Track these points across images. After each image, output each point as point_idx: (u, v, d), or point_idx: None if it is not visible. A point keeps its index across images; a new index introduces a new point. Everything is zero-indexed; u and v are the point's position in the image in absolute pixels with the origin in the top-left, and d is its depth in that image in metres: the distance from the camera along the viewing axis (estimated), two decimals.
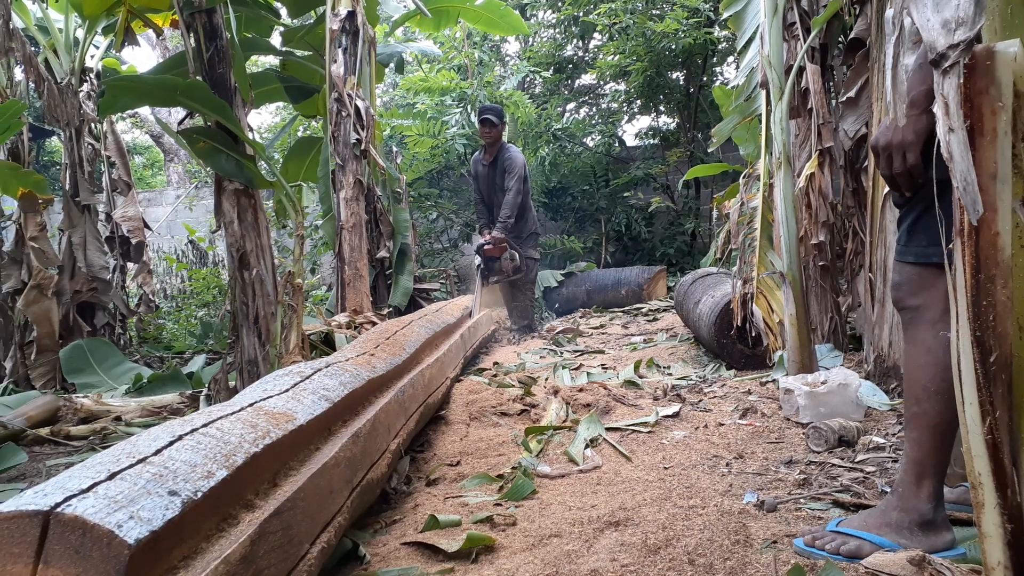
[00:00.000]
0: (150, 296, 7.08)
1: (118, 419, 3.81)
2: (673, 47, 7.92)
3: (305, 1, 5.12)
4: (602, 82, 10.13)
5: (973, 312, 0.92)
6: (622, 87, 9.68)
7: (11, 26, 4.48)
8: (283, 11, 5.51)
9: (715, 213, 4.95)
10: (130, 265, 6.75)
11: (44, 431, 3.58)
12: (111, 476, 1.11)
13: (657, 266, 7.71)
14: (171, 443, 1.29)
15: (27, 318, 5.11)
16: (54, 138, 11.09)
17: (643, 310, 6.77)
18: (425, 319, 3.54)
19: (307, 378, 1.99)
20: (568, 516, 1.97)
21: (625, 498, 2.10)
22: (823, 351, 3.49)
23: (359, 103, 4.30)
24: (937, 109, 0.85)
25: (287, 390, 1.84)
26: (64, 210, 5.61)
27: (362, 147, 4.29)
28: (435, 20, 6.12)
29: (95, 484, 1.08)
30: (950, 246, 0.96)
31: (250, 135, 3.40)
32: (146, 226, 6.61)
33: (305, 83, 5.65)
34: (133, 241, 6.48)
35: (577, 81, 10.68)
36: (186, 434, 1.35)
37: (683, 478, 2.27)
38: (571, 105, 10.56)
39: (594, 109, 10.64)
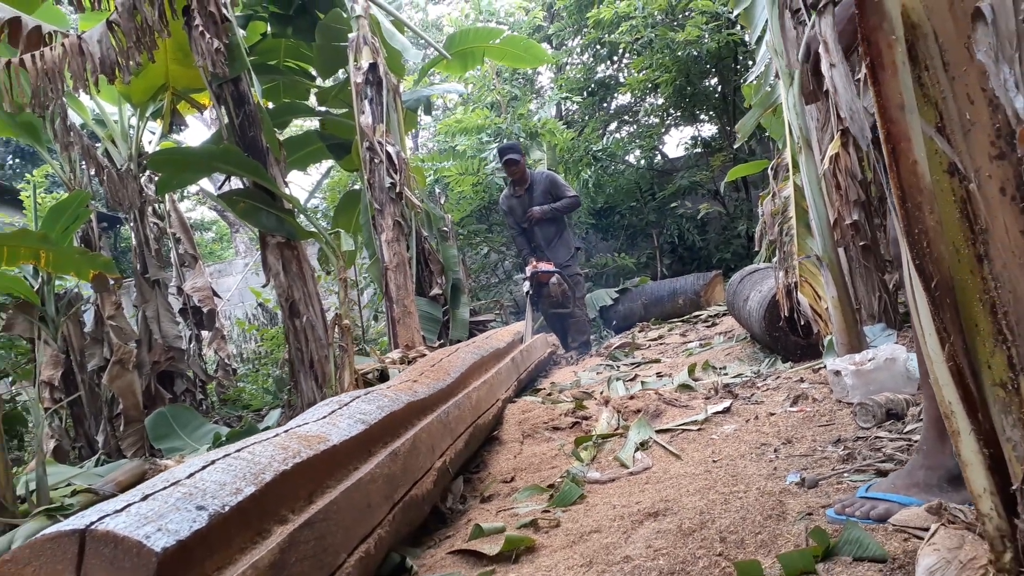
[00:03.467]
0: (226, 361, 7.40)
1: None
2: (698, 53, 7.93)
3: (333, 61, 5.37)
4: (637, 99, 10.18)
5: (908, 241, 0.94)
6: (658, 101, 9.72)
7: (68, 122, 4.83)
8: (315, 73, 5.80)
9: (761, 211, 4.91)
10: (205, 333, 7.08)
11: None
12: (144, 497, 1.22)
13: (712, 272, 7.63)
14: (204, 467, 1.40)
15: (113, 392, 5.41)
16: (127, 224, 11.75)
17: (701, 317, 6.69)
18: (473, 346, 3.62)
19: (345, 405, 2.08)
20: (611, 514, 2.00)
21: (669, 492, 2.11)
22: (875, 331, 3.41)
23: (389, 149, 4.48)
24: (820, 48, 0.89)
25: (324, 417, 1.94)
26: (136, 287, 5.95)
27: (397, 190, 4.46)
28: (460, 63, 6.31)
29: (129, 504, 1.18)
30: None
31: (287, 191, 3.59)
32: (215, 295, 6.94)
33: (344, 139, 5.90)
34: (204, 310, 6.81)
35: (614, 102, 10.76)
36: (219, 459, 1.46)
37: (729, 468, 2.26)
38: (612, 126, 10.63)
39: (634, 126, 10.68)
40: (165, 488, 1.26)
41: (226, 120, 3.47)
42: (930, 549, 1.04)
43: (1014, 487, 0.95)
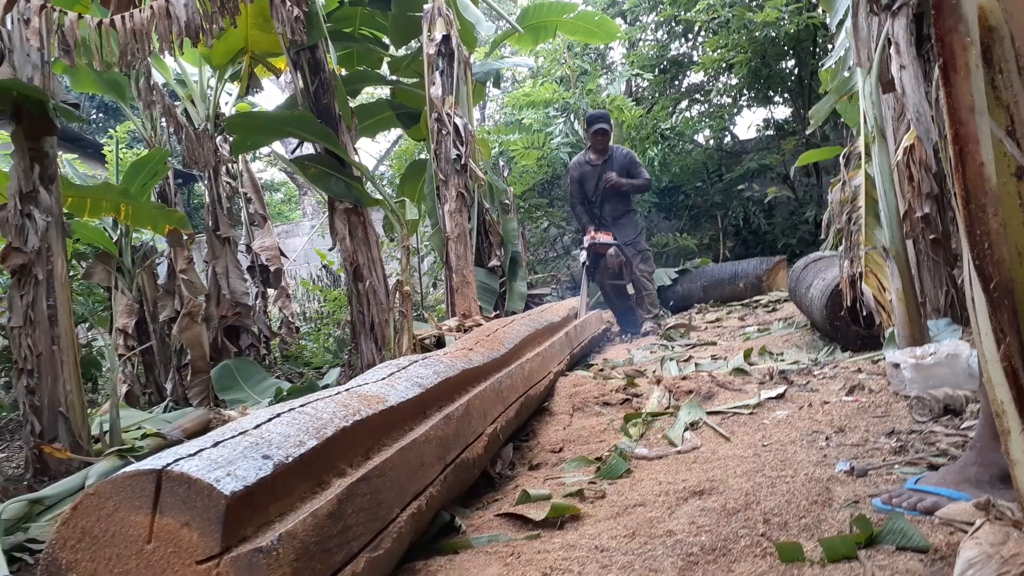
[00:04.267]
0: (290, 319, 7.63)
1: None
2: (775, 35, 7.73)
3: (406, 30, 5.42)
4: (710, 78, 9.98)
5: (970, 242, 0.94)
6: (732, 81, 9.51)
7: (152, 81, 5.01)
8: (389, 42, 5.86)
9: (830, 198, 4.81)
10: (271, 291, 7.32)
11: None
12: (215, 444, 1.31)
13: (776, 257, 7.49)
14: (270, 419, 1.48)
15: (182, 343, 5.65)
16: (199, 181, 12.13)
17: (762, 302, 6.60)
18: (527, 318, 3.67)
19: (403, 368, 2.16)
20: (656, 489, 2.03)
21: (716, 472, 2.13)
22: (940, 326, 3.33)
23: (457, 121, 4.52)
24: (891, 50, 0.89)
25: (383, 378, 2.01)
26: (208, 244, 6.17)
27: (462, 162, 4.51)
28: (532, 36, 6.29)
29: (201, 450, 1.27)
30: None
31: (356, 159, 3.68)
32: (282, 254, 7.15)
33: (413, 108, 5.97)
34: (271, 269, 7.03)
35: (686, 80, 10.57)
36: (284, 412, 1.54)
37: (779, 453, 2.27)
38: (682, 104, 10.45)
39: (705, 106, 10.49)
40: (234, 437, 1.35)
41: (301, 86, 3.56)
42: (972, 543, 1.05)
43: None
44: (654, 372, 3.89)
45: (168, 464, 1.18)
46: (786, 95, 9.30)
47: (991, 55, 0.89)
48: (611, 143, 6.38)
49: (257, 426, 1.43)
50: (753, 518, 1.61)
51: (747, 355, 3.96)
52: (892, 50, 1.21)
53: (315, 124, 3.38)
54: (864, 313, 3.61)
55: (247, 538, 1.19)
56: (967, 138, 0.91)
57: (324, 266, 9.24)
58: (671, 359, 4.20)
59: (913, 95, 1.36)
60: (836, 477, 1.88)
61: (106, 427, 3.99)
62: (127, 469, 1.21)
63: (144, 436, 3.99)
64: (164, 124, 5.73)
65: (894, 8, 1.18)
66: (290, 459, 1.33)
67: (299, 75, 3.62)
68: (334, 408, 1.62)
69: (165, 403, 5.35)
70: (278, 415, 1.51)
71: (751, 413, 2.82)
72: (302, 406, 1.60)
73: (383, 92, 8.79)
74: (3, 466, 4.42)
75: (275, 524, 1.25)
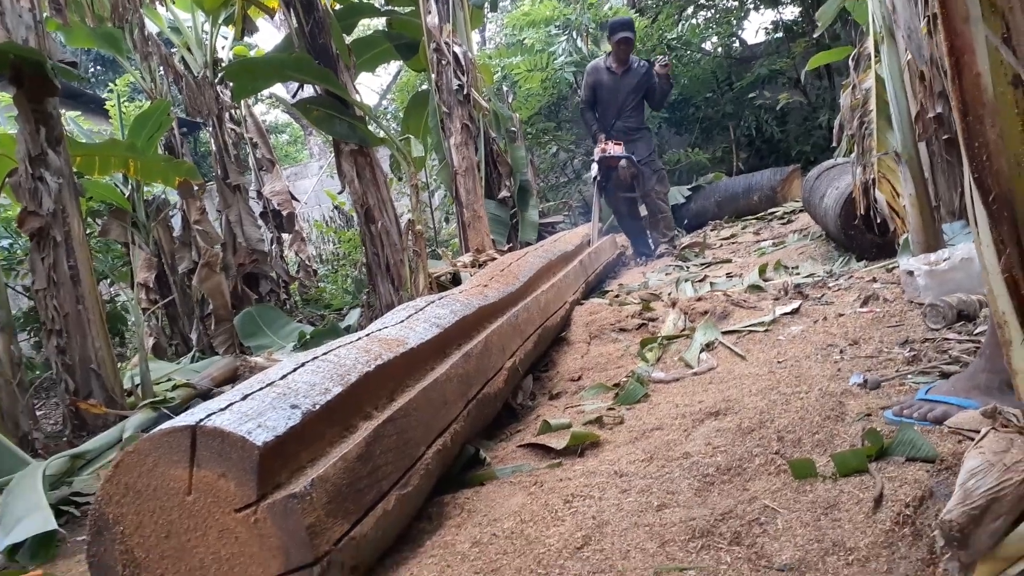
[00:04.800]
0: (307, 262, 7.70)
1: None
2: None
3: None
4: None
5: (968, 154, 0.94)
6: None
7: (147, 32, 4.94)
8: None
9: (842, 102, 4.72)
10: (285, 236, 7.36)
11: (227, 388, 4.09)
12: (244, 397, 1.36)
13: (790, 167, 7.38)
14: (295, 369, 1.53)
15: (203, 293, 5.74)
16: (205, 129, 12.06)
17: (777, 214, 6.56)
18: (541, 249, 3.69)
19: (420, 310, 2.20)
20: (673, 412, 2.08)
21: (732, 392, 2.17)
22: (955, 229, 3.30)
23: (456, 49, 4.44)
24: None
25: (401, 321, 2.06)
26: (219, 192, 6.19)
27: (464, 92, 4.45)
28: None
29: (231, 404, 1.32)
30: None
31: (357, 98, 3.64)
32: (293, 198, 7.15)
33: (412, 38, 5.84)
34: (284, 213, 7.05)
35: None
36: (308, 361, 1.59)
37: (794, 369, 2.30)
38: (688, 11, 10.12)
39: (711, 11, 10.17)
40: (262, 389, 1.40)
41: (296, 27, 3.50)
42: (976, 452, 1.09)
43: None
44: (669, 294, 3.92)
45: (201, 419, 1.24)
46: None
47: None
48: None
49: (283, 376, 1.48)
50: (767, 436, 1.66)
51: (762, 271, 3.96)
52: None
53: (313, 66, 3.34)
54: (878, 221, 3.59)
55: (281, 485, 1.25)
56: (963, 48, 0.91)
57: (336, 207, 9.24)
58: (686, 280, 4.21)
59: (904, 11, 1.33)
60: (849, 391, 1.91)
61: (137, 380, 4.10)
62: (163, 426, 1.27)
63: (175, 387, 4.11)
64: (163, 74, 5.68)
65: None
66: (317, 407, 1.39)
67: (293, 16, 3.56)
68: (356, 354, 1.67)
69: (192, 353, 5.47)
70: (303, 364, 1.56)
71: (766, 330, 2.84)
72: (325, 354, 1.65)
73: (379, 23, 8.61)
74: (42, 423, 4.58)
75: (307, 470, 1.31)
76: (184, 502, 1.22)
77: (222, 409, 1.29)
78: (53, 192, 3.73)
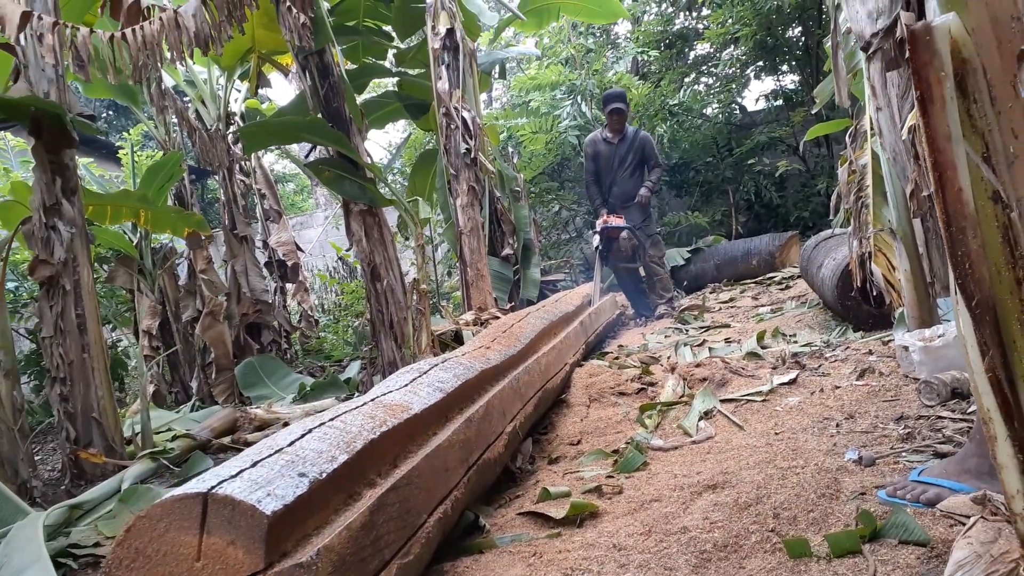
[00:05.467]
0: (308, 312, 7.75)
1: (286, 424, 4.29)
2: (780, 4, 7.68)
3: (410, 21, 5.45)
4: (716, 49, 9.92)
5: (952, 262, 1.00)
6: (739, 52, 9.47)
7: (163, 87, 5.09)
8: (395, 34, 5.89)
9: (840, 172, 4.83)
10: (288, 285, 7.43)
11: (226, 440, 4.11)
12: (254, 464, 1.39)
13: (788, 232, 7.50)
14: (303, 435, 1.57)
15: (205, 342, 5.78)
16: (213, 177, 12.23)
17: (775, 279, 6.64)
18: (543, 310, 3.75)
19: (424, 373, 2.24)
20: (672, 483, 2.11)
21: (730, 464, 2.20)
22: (950, 304, 3.37)
23: (465, 114, 4.57)
24: (868, 92, 0.94)
25: (405, 385, 2.10)
26: (226, 243, 6.28)
27: (472, 155, 4.56)
28: (535, 20, 6.30)
29: (241, 471, 1.36)
30: None
31: (368, 160, 3.75)
32: (299, 248, 7.25)
33: (421, 99, 6.01)
34: (288, 264, 7.14)
35: (692, 52, 10.50)
36: (315, 427, 1.62)
37: (791, 442, 2.34)
38: (690, 77, 10.40)
39: (712, 78, 10.44)
40: (271, 456, 1.43)
41: (310, 91, 3.62)
42: (964, 542, 1.12)
43: None
44: (668, 358, 3.96)
45: (213, 487, 1.27)
46: (794, 63, 9.25)
47: (965, 85, 0.95)
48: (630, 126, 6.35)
49: (291, 443, 1.52)
50: (764, 512, 1.69)
51: (760, 337, 4.01)
52: (869, 92, 1.26)
53: (327, 129, 3.45)
54: (874, 293, 3.66)
55: (288, 553, 1.28)
56: (945, 165, 0.97)
57: (340, 258, 9.34)
58: (685, 344, 4.26)
59: (889, 135, 1.41)
60: (845, 467, 1.95)
61: (137, 428, 4.11)
62: (175, 492, 1.30)
63: (174, 437, 4.12)
64: (177, 127, 5.82)
65: (870, 53, 1.23)
66: (324, 475, 1.42)
67: (308, 79, 3.69)
68: (362, 420, 1.70)
69: (192, 402, 5.49)
70: (310, 431, 1.60)
71: (764, 400, 2.88)
72: (332, 420, 1.68)
73: (390, 82, 8.83)
74: (40, 470, 4.56)
75: (313, 538, 1.34)
76: (193, 568, 1.25)
77: (233, 476, 1.32)
78: (65, 242, 3.80)
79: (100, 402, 3.82)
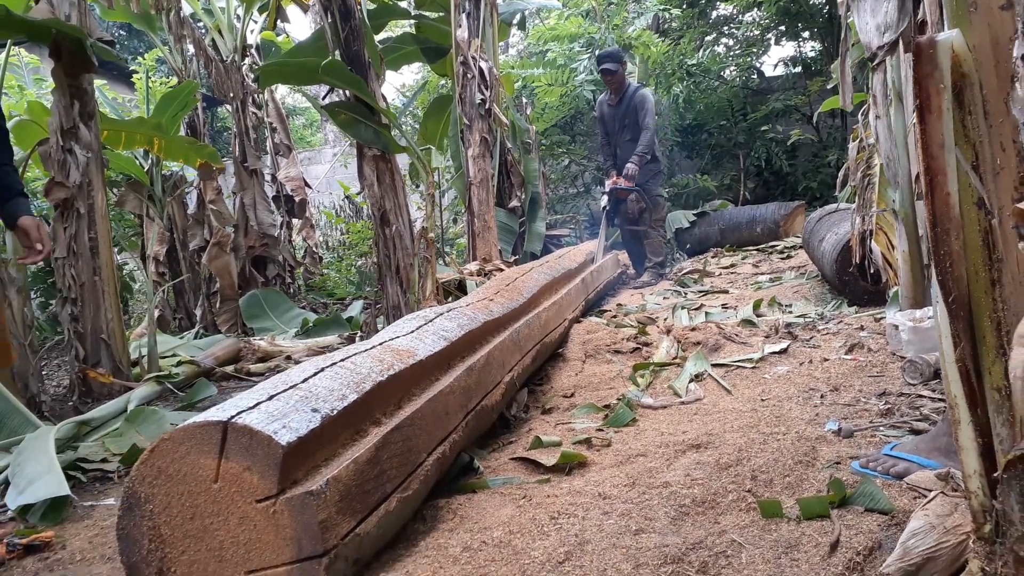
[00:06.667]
0: (313, 248, 7.84)
1: (288, 358, 4.41)
2: None
3: None
4: (739, 11, 9.79)
5: (935, 260, 1.08)
6: (761, 15, 9.35)
7: (182, 15, 5.07)
8: None
9: (850, 148, 4.86)
10: (295, 220, 7.50)
11: (229, 368, 4.23)
12: (270, 398, 1.49)
13: (795, 202, 7.53)
14: (315, 373, 1.66)
15: (211, 272, 5.87)
16: (224, 106, 12.16)
17: (778, 248, 6.70)
18: (546, 266, 3.82)
19: (430, 321, 2.33)
20: (658, 440, 2.22)
21: (715, 426, 2.31)
22: None
23: (483, 64, 4.57)
24: (869, 100, 1.01)
25: (412, 331, 2.19)
26: (236, 175, 6.32)
27: (486, 106, 4.58)
28: None
29: (258, 403, 1.45)
30: None
31: (383, 104, 3.78)
32: (306, 184, 7.29)
33: (439, 44, 5.98)
34: (296, 199, 7.19)
35: (714, 12, 10.36)
36: (327, 367, 1.72)
37: (775, 409, 2.44)
38: (710, 37, 10.26)
39: (733, 40, 10.31)
40: (286, 391, 1.53)
41: (330, 32, 3.63)
42: (921, 513, 1.22)
43: (996, 473, 1.12)
44: (665, 320, 4.05)
45: (232, 416, 1.37)
46: (815, 29, 9.13)
47: (962, 98, 1.01)
48: (636, 80, 6.33)
49: (305, 379, 1.62)
50: (743, 474, 1.79)
51: (756, 306, 4.10)
52: (870, 101, 1.31)
53: (346, 72, 3.47)
54: (872, 270, 3.73)
55: (298, 481, 1.38)
56: (937, 171, 1.04)
57: (347, 197, 9.37)
58: (683, 307, 4.34)
59: (886, 142, 1.46)
60: (824, 437, 2.05)
61: (143, 352, 4.23)
62: (196, 418, 1.40)
63: (179, 363, 4.24)
64: (193, 55, 5.80)
65: (874, 64, 1.27)
66: (335, 412, 1.52)
67: (329, 19, 3.69)
68: (371, 363, 1.80)
69: (196, 330, 5.59)
70: (322, 369, 1.69)
71: (754, 367, 2.98)
72: (343, 360, 1.78)
73: (406, 23, 8.74)
74: (46, 385, 4.70)
75: (322, 469, 1.44)
76: (210, 489, 1.35)
77: (251, 407, 1.42)
78: (81, 165, 3.85)
79: (109, 324, 3.93)
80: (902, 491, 1.61)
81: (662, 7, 9.15)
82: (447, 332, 2.27)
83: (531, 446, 2.24)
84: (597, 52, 7.86)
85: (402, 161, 6.34)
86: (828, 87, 7.77)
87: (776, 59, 10.39)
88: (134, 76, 6.90)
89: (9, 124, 4.96)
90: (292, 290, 6.87)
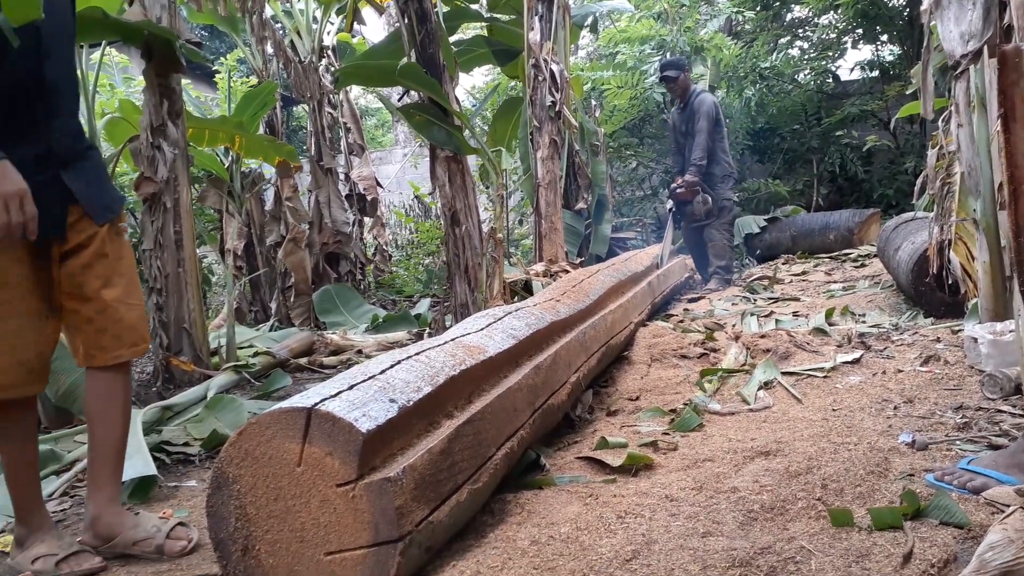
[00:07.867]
0: (383, 246, 8.01)
1: (359, 352, 4.53)
2: None
3: None
4: (814, 14, 9.57)
5: (1018, 271, 1.07)
6: (838, 18, 9.13)
7: (264, 17, 5.25)
8: None
9: (929, 155, 4.71)
10: (366, 219, 7.67)
11: (303, 360, 4.37)
12: (351, 387, 1.55)
13: (870, 209, 7.33)
14: (392, 366, 1.72)
15: (286, 266, 6.06)
16: (300, 106, 12.49)
17: (851, 256, 6.53)
18: (612, 268, 3.83)
19: (499, 319, 2.38)
20: (726, 446, 2.21)
21: (784, 434, 2.28)
22: None
23: (554, 67, 4.61)
24: (951, 108, 1.00)
25: (482, 329, 2.24)
26: (311, 173, 6.51)
27: (556, 109, 4.61)
28: None
29: (340, 392, 1.52)
30: None
31: (456, 106, 3.85)
32: (378, 184, 7.45)
33: (510, 46, 6.04)
34: (368, 198, 7.36)
35: (789, 15, 10.15)
36: (403, 359, 1.78)
37: (847, 419, 2.40)
38: (784, 40, 10.07)
39: (807, 43, 10.09)
40: (365, 381, 1.59)
41: (407, 36, 3.72)
42: (999, 527, 1.20)
43: None
44: (734, 326, 4.00)
45: (316, 403, 1.44)
46: (894, 32, 8.87)
47: None
48: (708, 83, 6.28)
49: (382, 371, 1.68)
50: (812, 482, 1.78)
51: (829, 314, 4.00)
52: (952, 109, 1.28)
53: (422, 75, 3.56)
54: (950, 281, 3.62)
55: (376, 468, 1.44)
56: (1021, 180, 1.03)
57: (416, 196, 9.53)
58: (752, 314, 4.28)
59: (968, 151, 1.42)
60: (897, 448, 2.01)
61: (222, 342, 4.41)
62: (282, 404, 1.47)
63: (256, 354, 4.40)
64: (274, 56, 6.00)
65: (958, 72, 1.24)
66: (411, 403, 1.58)
67: (405, 22, 3.79)
68: (444, 357, 1.85)
69: (271, 322, 5.79)
70: (398, 362, 1.75)
71: (825, 376, 2.93)
72: (417, 354, 1.84)
73: (478, 25, 8.83)
74: (132, 371, 4.93)
75: (398, 457, 1.50)
76: (294, 472, 1.42)
77: (333, 396, 1.49)
78: (168, 161, 4.03)
79: (191, 314, 4.10)
80: (978, 506, 1.57)
81: (735, 9, 9.02)
82: (515, 331, 2.31)
83: (597, 446, 2.26)
84: (667, 55, 7.82)
85: (471, 162, 6.44)
86: (907, 92, 7.54)
87: (852, 63, 10.12)
88: (217, 76, 7.17)
89: (102, 122, 5.24)
90: (362, 286, 7.04)
